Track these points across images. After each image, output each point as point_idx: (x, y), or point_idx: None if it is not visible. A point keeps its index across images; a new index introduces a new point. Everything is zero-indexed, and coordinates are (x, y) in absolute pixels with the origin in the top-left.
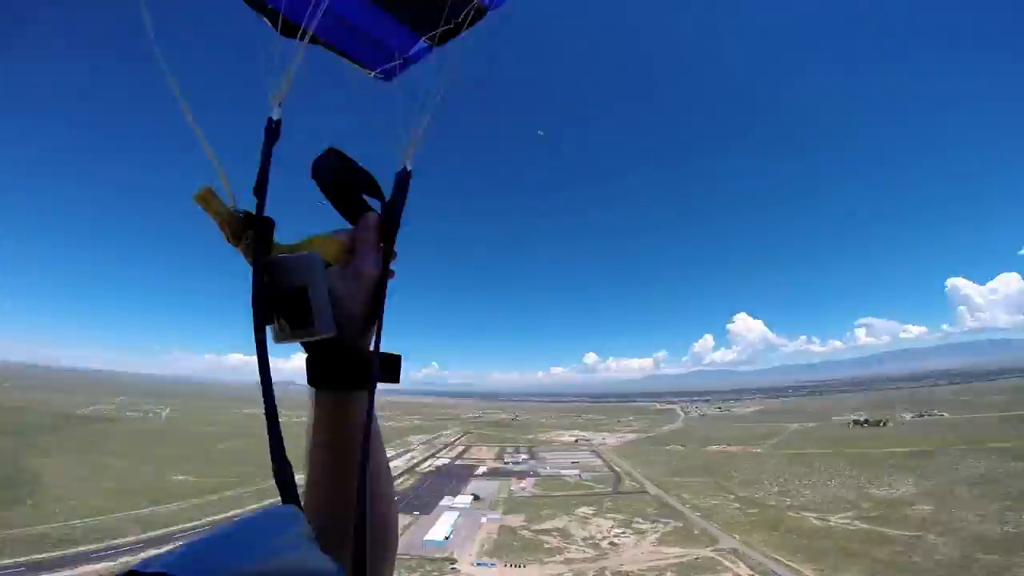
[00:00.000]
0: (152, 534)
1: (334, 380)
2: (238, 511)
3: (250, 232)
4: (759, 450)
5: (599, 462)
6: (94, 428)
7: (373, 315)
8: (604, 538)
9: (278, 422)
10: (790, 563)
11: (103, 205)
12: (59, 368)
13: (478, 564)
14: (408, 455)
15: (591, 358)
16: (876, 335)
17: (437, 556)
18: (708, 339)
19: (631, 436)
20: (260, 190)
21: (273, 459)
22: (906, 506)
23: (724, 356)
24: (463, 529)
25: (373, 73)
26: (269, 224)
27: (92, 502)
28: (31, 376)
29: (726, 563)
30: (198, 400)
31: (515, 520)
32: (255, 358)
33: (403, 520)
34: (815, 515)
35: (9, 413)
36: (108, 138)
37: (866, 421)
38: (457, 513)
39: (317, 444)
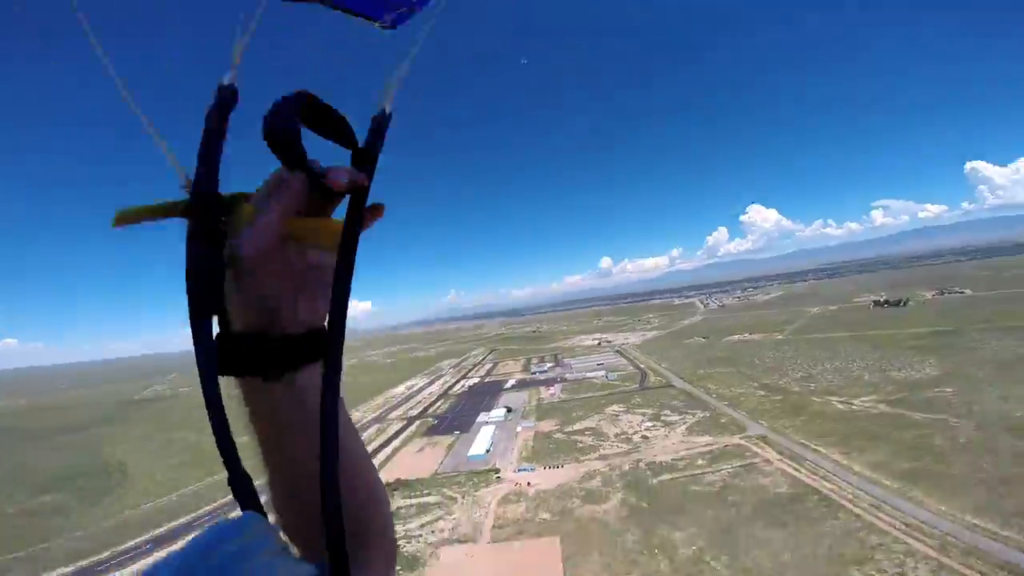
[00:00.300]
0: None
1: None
2: None
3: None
4: (780, 336)
5: (624, 361)
6: (155, 408)
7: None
8: (636, 432)
9: (226, 420)
10: (817, 448)
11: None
12: (105, 360)
13: (520, 470)
14: (440, 380)
15: (606, 262)
16: (894, 215)
17: (482, 469)
18: (722, 231)
19: (652, 333)
20: (207, 163)
21: (226, 466)
22: (928, 388)
23: (739, 246)
24: (501, 441)
25: (379, 24)
26: (211, 200)
27: (174, 476)
28: (81, 374)
29: (755, 449)
30: None
31: (548, 425)
32: None
33: (446, 440)
34: (839, 399)
35: (74, 411)
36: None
37: (887, 302)
38: (493, 426)
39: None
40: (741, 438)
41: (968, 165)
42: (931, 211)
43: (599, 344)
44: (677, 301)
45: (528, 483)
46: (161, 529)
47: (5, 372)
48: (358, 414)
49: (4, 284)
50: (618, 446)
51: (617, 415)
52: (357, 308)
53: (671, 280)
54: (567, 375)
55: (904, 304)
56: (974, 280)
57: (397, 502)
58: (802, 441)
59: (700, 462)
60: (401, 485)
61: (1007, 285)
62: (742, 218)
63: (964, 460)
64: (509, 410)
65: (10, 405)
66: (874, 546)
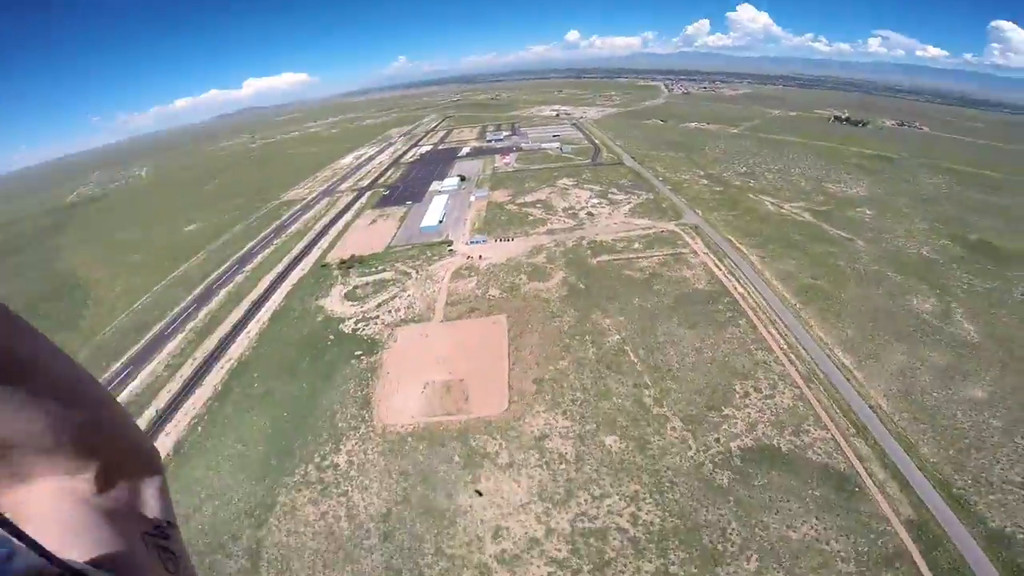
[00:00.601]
0: (197, 292)
1: None
2: (252, 243)
3: None
4: (735, 131)
5: (579, 135)
6: (90, 211)
7: None
8: (582, 208)
9: None
10: (740, 245)
11: None
12: (17, 172)
13: (472, 242)
14: (391, 149)
15: (573, 35)
16: (890, 47)
17: (435, 241)
18: (703, 23)
19: (612, 110)
20: None
21: None
22: (852, 207)
23: (719, 41)
24: (454, 211)
25: None
26: None
27: (134, 282)
28: None
29: (686, 238)
30: (167, 152)
31: (501, 195)
32: (200, 101)
33: (398, 211)
34: (772, 200)
35: (11, 227)
36: None
37: (847, 119)
38: (447, 196)
39: None
40: (676, 225)
41: (994, 23)
42: (930, 53)
43: (557, 116)
44: (642, 82)
45: (480, 256)
46: (136, 348)
47: None
48: (303, 191)
49: None
50: (565, 221)
51: (567, 189)
52: (290, 80)
53: (640, 61)
54: (523, 144)
55: (862, 125)
56: (938, 122)
57: (353, 281)
58: (729, 237)
59: (636, 246)
60: (356, 262)
61: (964, 133)
62: (729, 15)
63: (854, 288)
64: (463, 179)
65: None
66: (759, 362)
